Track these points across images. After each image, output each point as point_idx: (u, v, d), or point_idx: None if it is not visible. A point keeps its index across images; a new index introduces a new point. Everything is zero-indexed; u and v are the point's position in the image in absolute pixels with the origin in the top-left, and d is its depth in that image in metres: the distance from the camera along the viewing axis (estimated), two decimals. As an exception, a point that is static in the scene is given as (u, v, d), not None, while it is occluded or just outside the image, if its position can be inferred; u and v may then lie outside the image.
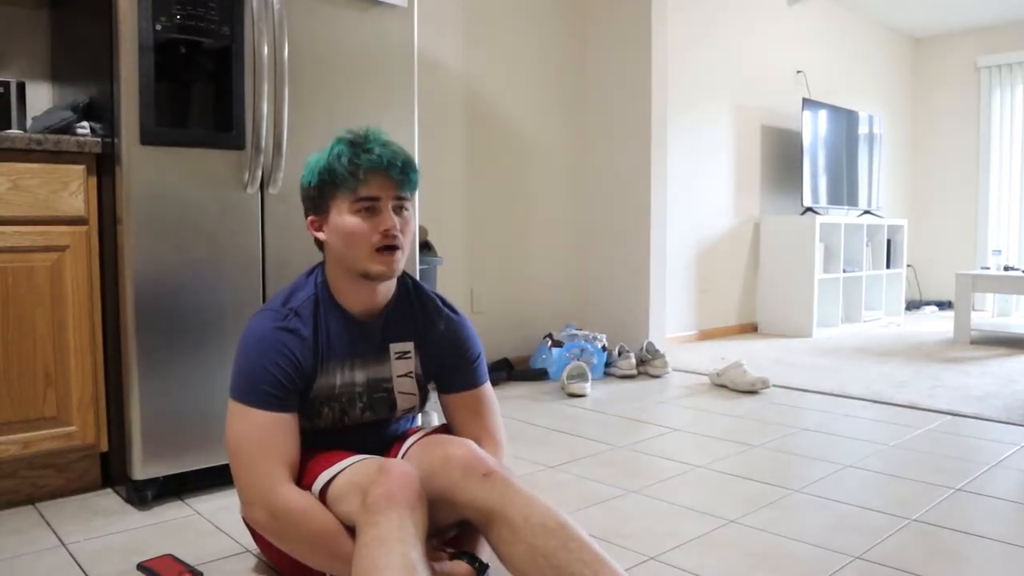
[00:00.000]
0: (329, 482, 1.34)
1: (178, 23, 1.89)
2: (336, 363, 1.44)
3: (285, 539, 1.33)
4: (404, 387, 1.52)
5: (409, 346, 1.51)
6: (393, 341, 1.50)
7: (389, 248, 1.37)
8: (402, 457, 1.45)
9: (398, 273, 1.41)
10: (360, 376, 1.47)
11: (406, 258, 1.42)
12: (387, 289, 1.47)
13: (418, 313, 1.52)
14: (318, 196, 1.40)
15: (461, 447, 1.36)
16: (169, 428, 1.92)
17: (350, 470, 1.34)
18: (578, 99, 4.11)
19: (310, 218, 1.44)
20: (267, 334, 1.36)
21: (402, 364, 1.51)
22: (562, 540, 1.23)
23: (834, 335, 5.06)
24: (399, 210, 1.39)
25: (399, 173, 1.37)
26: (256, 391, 1.33)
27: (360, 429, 1.51)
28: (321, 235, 1.43)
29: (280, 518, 1.30)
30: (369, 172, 1.35)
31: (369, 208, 1.36)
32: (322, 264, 1.49)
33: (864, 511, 1.90)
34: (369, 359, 1.48)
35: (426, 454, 1.38)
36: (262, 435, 1.32)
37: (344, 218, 1.37)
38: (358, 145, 1.37)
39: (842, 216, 5.46)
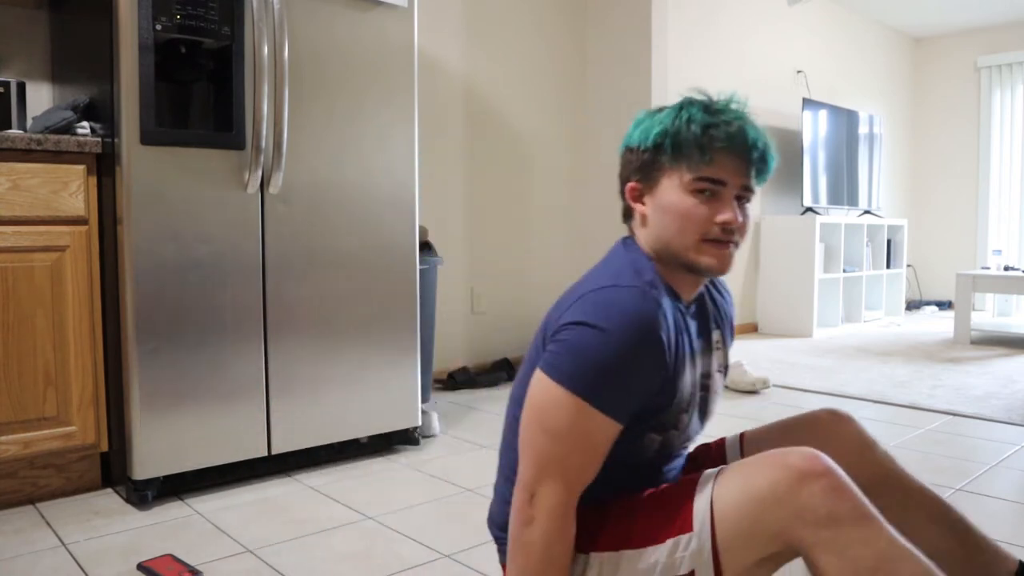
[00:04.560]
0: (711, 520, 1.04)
1: (178, 23, 1.89)
2: (684, 360, 1.15)
3: (541, 541, 1.06)
4: (717, 384, 1.26)
5: (718, 334, 1.27)
6: (712, 329, 1.25)
7: (724, 242, 1.11)
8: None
9: (729, 272, 1.15)
10: (692, 375, 1.17)
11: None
12: None
13: (713, 291, 1.28)
14: (650, 162, 1.14)
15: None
16: (169, 428, 1.92)
17: (721, 487, 1.05)
18: (578, 99, 4.11)
19: (630, 184, 1.18)
20: (649, 329, 1.05)
21: (720, 355, 1.26)
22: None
23: (834, 335, 5.06)
24: (741, 200, 1.13)
25: (759, 159, 1.11)
26: (614, 397, 1.05)
27: (652, 466, 1.21)
28: (641, 207, 1.17)
29: (556, 523, 1.06)
30: (722, 150, 1.09)
31: (711, 192, 1.10)
32: (632, 241, 1.20)
33: (864, 511, 1.89)
34: (697, 352, 1.20)
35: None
36: (599, 443, 1.06)
37: (678, 196, 1.11)
38: (716, 113, 1.10)
39: (842, 216, 5.46)
